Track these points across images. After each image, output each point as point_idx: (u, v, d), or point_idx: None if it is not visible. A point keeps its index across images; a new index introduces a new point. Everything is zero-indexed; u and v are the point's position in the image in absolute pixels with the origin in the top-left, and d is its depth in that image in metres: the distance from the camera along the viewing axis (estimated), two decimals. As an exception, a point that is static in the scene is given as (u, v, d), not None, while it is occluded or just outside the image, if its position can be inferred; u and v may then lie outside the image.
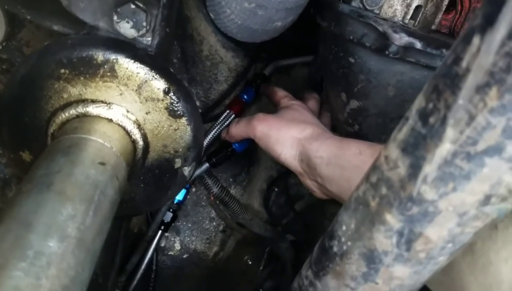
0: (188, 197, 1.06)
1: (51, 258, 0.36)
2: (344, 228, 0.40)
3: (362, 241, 0.37)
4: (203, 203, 1.10)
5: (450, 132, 0.28)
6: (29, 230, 0.36)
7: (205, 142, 0.96)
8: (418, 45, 0.65)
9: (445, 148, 0.29)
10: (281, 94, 0.91)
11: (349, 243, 0.39)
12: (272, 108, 0.94)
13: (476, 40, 0.27)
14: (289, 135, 0.77)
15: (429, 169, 0.30)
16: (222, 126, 0.97)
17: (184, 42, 0.93)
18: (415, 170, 0.31)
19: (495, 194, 0.29)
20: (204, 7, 0.83)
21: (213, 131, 0.97)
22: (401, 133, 0.33)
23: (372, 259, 0.37)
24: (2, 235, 0.36)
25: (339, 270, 0.41)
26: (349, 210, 0.39)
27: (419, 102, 0.32)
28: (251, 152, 1.10)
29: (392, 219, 0.34)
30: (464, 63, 0.27)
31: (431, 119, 0.30)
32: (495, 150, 0.27)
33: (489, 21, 0.26)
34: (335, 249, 0.41)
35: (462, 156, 0.28)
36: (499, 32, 0.25)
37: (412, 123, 0.32)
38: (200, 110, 0.99)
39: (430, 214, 0.32)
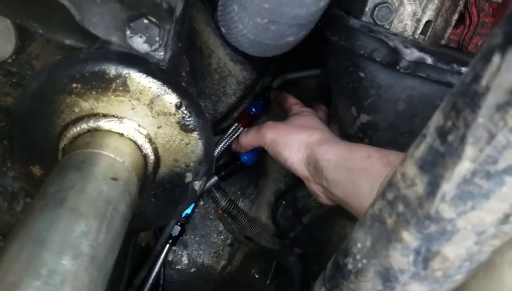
0: (196, 210, 1.06)
1: (64, 276, 0.35)
2: (359, 245, 0.39)
3: (378, 258, 0.37)
4: (211, 216, 1.09)
5: (469, 151, 0.28)
6: (43, 247, 0.36)
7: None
8: (429, 60, 0.65)
9: (464, 166, 0.29)
10: (292, 101, 0.92)
11: (364, 261, 0.38)
12: (280, 120, 0.94)
13: (496, 58, 0.27)
14: (297, 139, 0.77)
15: (448, 187, 0.30)
16: (231, 139, 0.97)
17: (193, 56, 0.93)
18: (433, 188, 0.31)
19: (515, 212, 0.29)
20: (213, 21, 0.83)
21: (222, 144, 0.97)
22: (419, 150, 0.33)
23: (388, 277, 0.37)
24: (16, 253, 0.36)
25: (354, 288, 0.40)
26: (365, 227, 0.39)
27: (437, 119, 0.32)
28: (259, 165, 1.10)
29: (409, 237, 0.33)
30: (484, 82, 0.27)
31: (450, 137, 0.29)
32: (516, 169, 0.27)
33: (510, 40, 0.26)
34: (349, 266, 0.40)
35: (481, 174, 0.28)
36: (520, 51, 0.25)
37: (430, 141, 0.32)
38: (209, 124, 0.99)
39: (448, 233, 0.31)
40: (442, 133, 0.30)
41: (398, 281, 0.36)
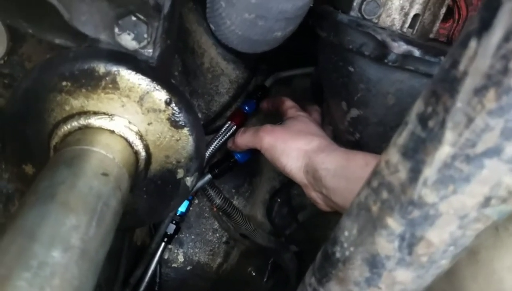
0: (191, 208, 1.07)
1: (55, 268, 0.36)
2: (346, 233, 0.40)
3: (365, 246, 0.37)
4: (206, 215, 1.10)
5: (449, 135, 0.29)
6: (33, 240, 0.37)
7: (207, 153, 0.97)
8: (417, 53, 0.65)
9: (444, 151, 0.29)
10: (288, 104, 0.91)
11: (351, 249, 0.39)
12: (273, 119, 0.94)
13: (473, 43, 0.27)
14: (295, 147, 0.77)
15: (429, 172, 0.30)
16: (224, 138, 0.98)
17: (185, 55, 0.94)
18: (415, 173, 0.31)
19: (495, 195, 0.29)
20: (205, 20, 0.84)
21: (215, 143, 0.98)
22: (401, 137, 0.33)
23: (374, 264, 0.37)
24: (6, 246, 0.36)
25: (342, 276, 0.41)
26: (351, 215, 0.39)
27: (418, 106, 0.32)
28: (254, 163, 1.11)
29: (394, 223, 0.34)
30: (461, 67, 0.28)
31: (430, 123, 0.30)
32: (494, 152, 0.27)
33: (485, 25, 0.26)
34: (337, 255, 0.41)
35: (461, 158, 0.28)
36: (495, 35, 0.26)
37: (411, 128, 0.32)
38: (201, 122, 1.00)
39: (431, 217, 0.32)
40: (422, 119, 0.31)
41: (385, 268, 0.37)
